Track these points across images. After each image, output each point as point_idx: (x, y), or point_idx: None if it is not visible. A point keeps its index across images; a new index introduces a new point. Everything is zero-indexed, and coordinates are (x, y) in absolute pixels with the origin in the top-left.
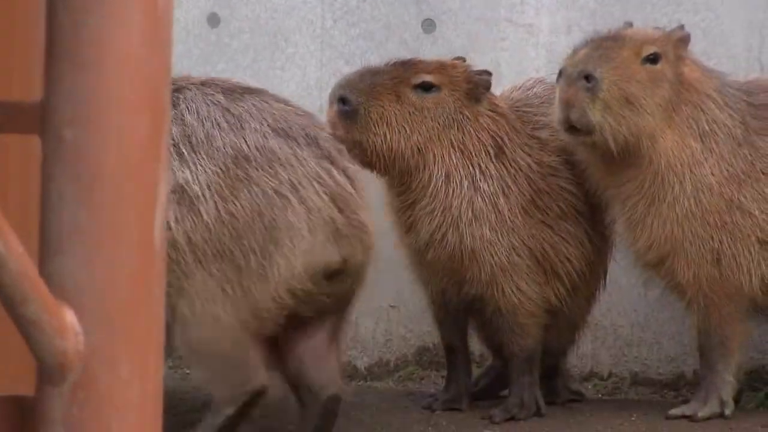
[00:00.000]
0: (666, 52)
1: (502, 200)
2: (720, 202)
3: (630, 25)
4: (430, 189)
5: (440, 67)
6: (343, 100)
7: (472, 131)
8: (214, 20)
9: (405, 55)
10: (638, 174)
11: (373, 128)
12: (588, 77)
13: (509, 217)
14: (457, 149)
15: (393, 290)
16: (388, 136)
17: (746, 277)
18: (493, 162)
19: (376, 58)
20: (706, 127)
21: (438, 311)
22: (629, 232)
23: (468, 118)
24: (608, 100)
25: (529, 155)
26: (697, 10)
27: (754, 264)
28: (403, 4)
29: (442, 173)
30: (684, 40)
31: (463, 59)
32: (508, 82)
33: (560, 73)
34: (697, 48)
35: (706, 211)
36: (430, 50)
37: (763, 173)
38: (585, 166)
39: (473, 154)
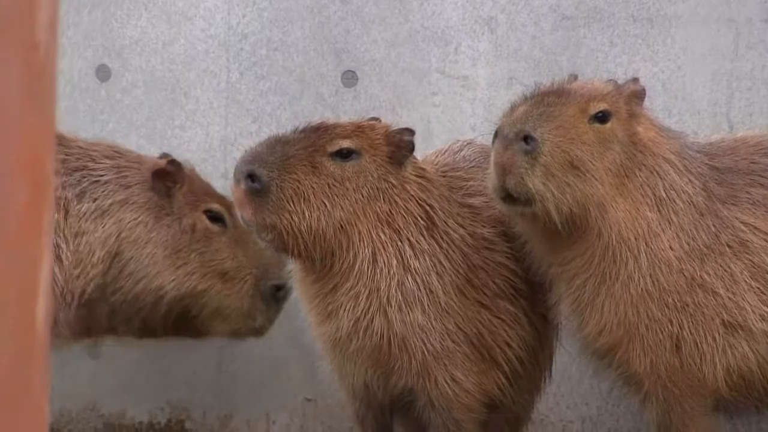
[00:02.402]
0: (617, 109)
1: (435, 279)
2: (680, 280)
3: (575, 77)
4: (356, 270)
5: (357, 130)
6: (252, 177)
7: (399, 201)
8: (103, 73)
9: (323, 112)
10: (586, 249)
11: (289, 206)
12: (527, 139)
13: (443, 299)
14: (384, 223)
15: (309, 381)
16: (307, 214)
17: (710, 367)
18: (424, 236)
19: (289, 115)
20: (664, 195)
21: (359, 407)
22: (577, 315)
23: (393, 185)
24: (550, 165)
25: (462, 226)
26: (656, 60)
27: (719, 351)
28: (319, 53)
29: (368, 252)
30: (638, 95)
31: (379, 119)
32: (440, 141)
33: (496, 134)
34: (656, 103)
35: (664, 290)
36: (352, 106)
37: (728, 246)
38: (525, 239)
39: (402, 227)
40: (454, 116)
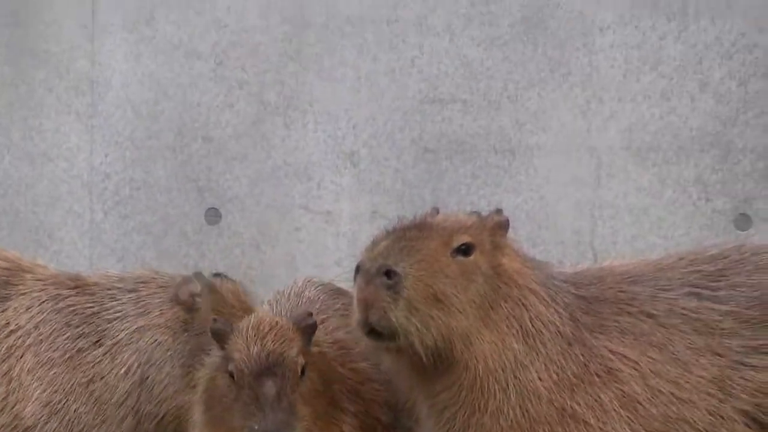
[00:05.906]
0: (480, 241)
1: None
2: (550, 411)
3: (438, 210)
4: None
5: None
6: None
7: None
8: None
9: (187, 250)
10: (454, 382)
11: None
12: (389, 273)
13: None
14: None
15: None
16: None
17: None
18: None
19: (154, 254)
20: (530, 326)
21: None
22: None
23: None
24: (413, 299)
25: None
26: (519, 191)
27: None
28: (182, 192)
29: None
30: (502, 226)
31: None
32: (305, 276)
33: (357, 269)
34: (520, 233)
35: (534, 421)
36: (216, 243)
37: (597, 376)
38: (391, 374)
39: None
40: (318, 251)
